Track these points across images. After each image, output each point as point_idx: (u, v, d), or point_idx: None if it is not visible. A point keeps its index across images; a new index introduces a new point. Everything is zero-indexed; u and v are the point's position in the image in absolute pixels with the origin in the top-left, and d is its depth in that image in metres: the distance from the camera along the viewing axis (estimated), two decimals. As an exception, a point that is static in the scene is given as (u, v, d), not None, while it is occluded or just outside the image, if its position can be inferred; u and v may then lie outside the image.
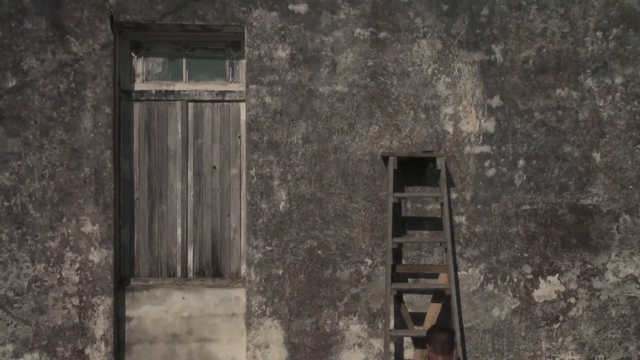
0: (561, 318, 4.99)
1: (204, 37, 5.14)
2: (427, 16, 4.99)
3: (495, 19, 5.01)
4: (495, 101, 5.01)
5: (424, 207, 4.99)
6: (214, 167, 5.16)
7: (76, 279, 4.86)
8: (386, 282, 4.73)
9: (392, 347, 4.85)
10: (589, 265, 5.01)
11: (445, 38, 4.99)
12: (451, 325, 4.71)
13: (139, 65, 5.16)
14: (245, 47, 4.98)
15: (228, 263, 5.15)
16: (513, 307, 4.98)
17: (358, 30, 4.98)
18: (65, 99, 4.87)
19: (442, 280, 4.84)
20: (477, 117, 5.01)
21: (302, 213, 4.94)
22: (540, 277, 4.99)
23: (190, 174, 5.15)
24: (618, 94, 5.04)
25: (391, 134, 4.96)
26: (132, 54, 5.15)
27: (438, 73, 5.00)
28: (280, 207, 4.93)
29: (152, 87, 5.14)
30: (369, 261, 4.94)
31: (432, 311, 4.80)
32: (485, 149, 5.00)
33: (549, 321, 4.99)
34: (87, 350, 4.86)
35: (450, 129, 4.99)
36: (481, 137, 5.01)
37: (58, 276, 4.85)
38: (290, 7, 4.95)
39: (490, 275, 4.99)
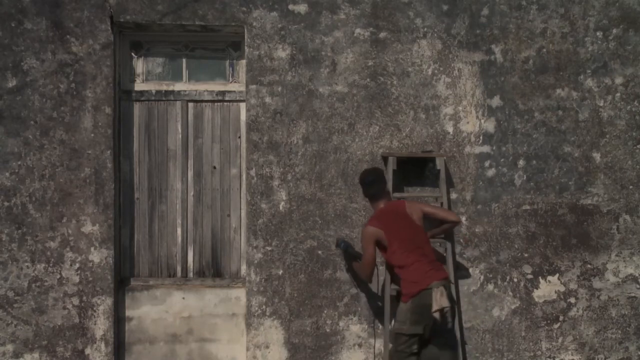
0: (561, 318, 4.99)
1: (204, 37, 5.14)
2: (427, 16, 4.99)
3: (495, 19, 5.01)
4: (495, 101, 5.01)
5: (424, 207, 4.99)
6: (214, 167, 5.16)
7: (76, 279, 4.86)
8: (385, 282, 4.73)
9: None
10: (589, 265, 5.01)
11: (445, 38, 4.99)
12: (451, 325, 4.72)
13: (139, 65, 5.16)
14: (245, 47, 4.99)
15: (228, 263, 5.15)
16: (513, 307, 4.98)
17: (358, 30, 4.98)
18: (65, 99, 4.87)
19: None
20: (477, 117, 5.01)
21: (302, 213, 4.94)
22: (540, 277, 4.99)
23: (190, 174, 5.15)
24: (618, 94, 5.04)
25: (391, 134, 4.96)
26: (132, 54, 5.15)
27: (438, 73, 5.00)
28: (280, 207, 4.93)
29: (152, 87, 5.13)
30: (369, 261, 4.94)
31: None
32: (485, 149, 5.00)
33: (549, 321, 4.99)
34: (87, 351, 4.86)
35: (450, 129, 4.99)
36: (481, 137, 5.01)
37: (58, 276, 4.85)
38: (290, 7, 4.95)
39: (490, 275, 4.99)
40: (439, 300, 4.16)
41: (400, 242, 4.32)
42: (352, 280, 4.91)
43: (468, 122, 5.00)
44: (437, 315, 4.17)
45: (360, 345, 4.93)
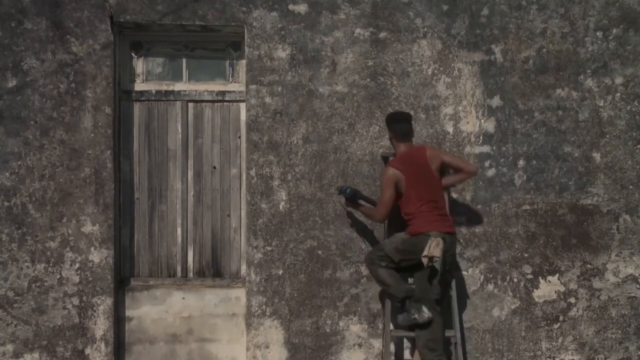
0: (561, 318, 4.99)
1: (204, 37, 5.14)
2: (427, 16, 4.99)
3: (495, 19, 5.01)
4: (495, 101, 5.01)
5: (424, 207, 4.98)
6: (214, 167, 5.16)
7: (76, 279, 4.86)
8: (386, 282, 4.73)
9: (392, 347, 4.85)
10: (589, 265, 5.01)
11: (445, 38, 4.99)
12: (451, 326, 4.72)
13: (139, 65, 5.16)
14: (245, 47, 4.99)
15: (228, 263, 5.15)
16: (513, 307, 4.98)
17: (358, 30, 4.98)
18: (65, 99, 4.87)
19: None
20: (477, 117, 5.01)
21: (302, 213, 4.94)
22: (540, 277, 4.99)
23: (190, 174, 5.15)
24: (618, 94, 5.04)
25: (391, 134, 4.96)
26: (132, 54, 5.15)
27: (438, 73, 5.00)
28: (280, 207, 4.93)
29: (152, 87, 5.14)
30: (369, 261, 4.94)
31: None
32: (485, 149, 5.00)
33: (549, 321, 4.99)
34: (87, 350, 4.86)
35: (450, 129, 4.99)
36: (481, 137, 5.01)
37: (58, 276, 4.85)
38: (290, 7, 4.95)
39: (490, 276, 4.99)
40: (432, 248, 4.26)
41: (417, 191, 4.40)
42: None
43: (468, 122, 5.00)
44: (425, 261, 4.27)
45: (360, 345, 4.93)
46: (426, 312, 4.32)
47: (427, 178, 4.44)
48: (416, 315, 4.34)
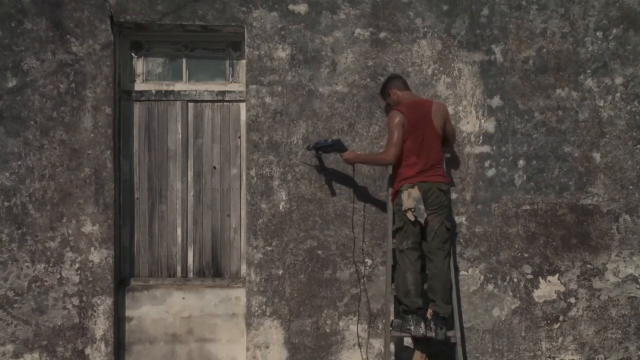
0: (561, 318, 4.99)
1: (204, 37, 5.14)
2: (427, 16, 4.99)
3: (495, 19, 5.01)
4: (495, 101, 5.01)
5: (424, 207, 4.99)
6: (214, 167, 5.16)
7: (76, 279, 4.86)
8: (386, 282, 4.73)
9: (392, 347, 4.85)
10: (589, 265, 5.01)
11: (445, 38, 4.99)
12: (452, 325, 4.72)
13: (139, 65, 5.16)
14: (245, 47, 4.99)
15: (228, 263, 5.15)
16: (513, 307, 4.99)
17: (358, 30, 4.98)
18: (65, 99, 4.87)
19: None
20: (477, 117, 5.01)
21: (302, 213, 4.94)
22: (540, 277, 5.00)
23: (190, 174, 5.15)
24: (618, 94, 5.04)
25: (391, 134, 4.96)
26: (132, 54, 5.15)
27: (438, 73, 5.00)
28: (280, 207, 4.93)
29: (152, 87, 5.14)
30: (369, 261, 4.94)
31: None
32: (485, 149, 5.01)
33: (549, 321, 4.99)
34: (87, 350, 4.86)
35: (450, 129, 4.99)
36: (481, 137, 5.01)
37: (58, 276, 4.85)
38: (290, 7, 4.95)
39: (490, 276, 4.99)
40: (405, 202, 4.39)
41: (413, 143, 4.48)
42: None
43: (468, 122, 5.00)
44: (409, 215, 4.38)
45: (360, 345, 4.93)
46: (422, 329, 4.39)
47: (427, 132, 4.50)
48: (412, 327, 4.40)
